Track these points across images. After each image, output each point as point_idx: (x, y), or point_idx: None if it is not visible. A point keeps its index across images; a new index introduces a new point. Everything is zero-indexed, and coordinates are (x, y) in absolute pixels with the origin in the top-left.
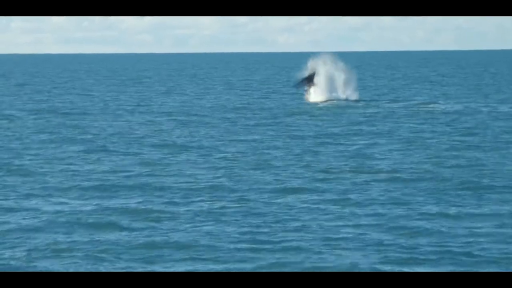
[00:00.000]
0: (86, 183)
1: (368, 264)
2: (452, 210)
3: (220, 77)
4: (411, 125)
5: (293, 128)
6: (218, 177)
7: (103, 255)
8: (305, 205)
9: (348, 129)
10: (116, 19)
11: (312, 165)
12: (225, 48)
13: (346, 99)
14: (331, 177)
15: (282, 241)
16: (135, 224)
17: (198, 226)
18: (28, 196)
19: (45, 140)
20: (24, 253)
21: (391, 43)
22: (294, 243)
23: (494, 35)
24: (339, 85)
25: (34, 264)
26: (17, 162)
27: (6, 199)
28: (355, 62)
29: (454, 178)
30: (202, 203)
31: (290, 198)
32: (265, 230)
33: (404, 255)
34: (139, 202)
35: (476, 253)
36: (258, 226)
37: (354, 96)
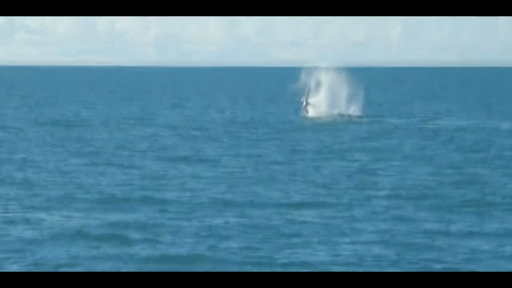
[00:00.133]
0: (88, 196)
1: None
2: (454, 228)
3: (224, 91)
4: (414, 141)
5: (296, 143)
6: (221, 192)
7: (104, 268)
8: (307, 220)
9: (351, 144)
10: (120, 30)
11: (314, 180)
12: (229, 62)
13: (350, 114)
14: (333, 192)
15: (284, 256)
16: (137, 238)
17: (200, 241)
18: (30, 208)
19: (48, 152)
20: (25, 266)
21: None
22: (295, 259)
23: (499, 52)
24: (342, 99)
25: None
26: (20, 174)
27: (8, 212)
28: (359, 77)
29: (456, 195)
30: (205, 217)
31: (292, 213)
32: (267, 245)
33: (405, 271)
34: (142, 216)
35: (476, 270)
36: (260, 241)
37: (357, 111)
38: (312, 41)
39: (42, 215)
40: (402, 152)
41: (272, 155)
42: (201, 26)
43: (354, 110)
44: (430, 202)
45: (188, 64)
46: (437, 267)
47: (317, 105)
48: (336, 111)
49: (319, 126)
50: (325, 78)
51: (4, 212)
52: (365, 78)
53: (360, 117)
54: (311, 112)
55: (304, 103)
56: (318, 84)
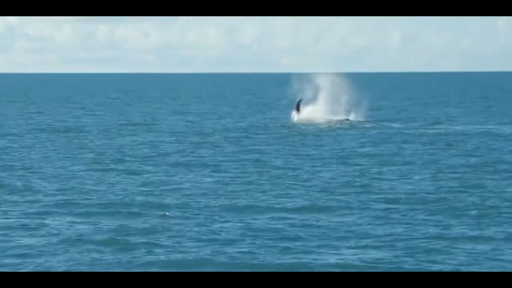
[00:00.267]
0: (89, 202)
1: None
2: (454, 232)
3: (224, 97)
4: (414, 146)
5: (296, 148)
6: (221, 196)
7: (103, 271)
8: (306, 224)
9: (351, 149)
10: (120, 38)
11: (314, 185)
12: (229, 68)
13: (349, 119)
14: (333, 197)
15: (286, 262)
16: (136, 242)
17: (200, 246)
18: (31, 214)
19: (48, 159)
20: (25, 271)
21: (396, 65)
22: (294, 262)
23: (498, 57)
24: (342, 105)
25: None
26: (20, 181)
27: (9, 218)
28: (359, 83)
29: (457, 200)
30: (204, 221)
31: (291, 217)
32: (270, 249)
33: (405, 271)
34: (141, 220)
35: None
36: (259, 246)
37: (357, 116)
38: (312, 47)
39: (44, 221)
40: (402, 157)
41: (273, 160)
42: (200, 33)
43: (354, 115)
44: (431, 207)
45: (188, 71)
46: (434, 270)
47: (317, 111)
48: (336, 117)
49: (320, 131)
50: (325, 84)
51: (6, 218)
52: (364, 83)
53: (360, 122)
54: (298, 118)
55: (294, 109)
56: (317, 89)
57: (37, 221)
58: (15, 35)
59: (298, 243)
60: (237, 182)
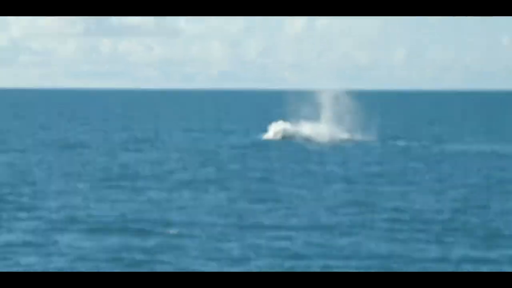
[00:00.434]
0: (91, 219)
1: None
2: (455, 253)
3: (226, 114)
4: (418, 165)
5: (300, 165)
6: (224, 214)
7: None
8: (308, 241)
9: (355, 167)
10: (123, 52)
11: (318, 203)
12: (232, 84)
13: (353, 138)
14: (337, 216)
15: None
16: (140, 260)
17: (204, 264)
18: (33, 231)
19: (52, 175)
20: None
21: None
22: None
23: (502, 75)
24: (345, 122)
25: None
26: (23, 197)
27: (12, 234)
28: (363, 100)
29: (460, 220)
30: (208, 239)
31: (295, 236)
32: (269, 268)
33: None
34: (145, 238)
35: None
36: (262, 265)
37: (361, 134)
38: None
39: (47, 238)
40: (406, 176)
41: (276, 178)
42: (204, 48)
43: (357, 133)
44: (435, 227)
45: (191, 87)
46: None
47: (320, 128)
48: (339, 134)
49: (323, 149)
50: (328, 101)
51: (9, 234)
52: (368, 101)
53: (364, 140)
54: (274, 135)
55: (277, 125)
56: (320, 106)
57: (41, 238)
58: (19, 49)
59: (302, 262)
60: (241, 199)
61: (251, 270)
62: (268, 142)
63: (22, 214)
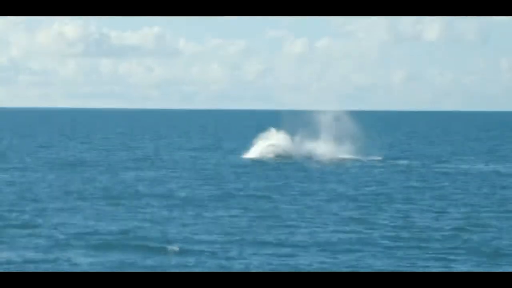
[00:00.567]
0: (91, 236)
1: None
2: (455, 271)
3: (225, 133)
4: (417, 184)
5: (300, 184)
6: (224, 232)
7: None
8: (308, 259)
9: (355, 186)
10: (123, 73)
11: (318, 221)
12: (232, 104)
13: (353, 157)
14: (336, 232)
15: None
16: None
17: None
18: (34, 248)
19: (53, 193)
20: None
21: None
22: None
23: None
24: (346, 143)
25: None
26: (25, 215)
27: (12, 251)
28: (362, 120)
29: (458, 239)
30: (208, 257)
31: (295, 254)
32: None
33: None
34: (146, 255)
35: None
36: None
37: (361, 154)
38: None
39: (48, 255)
40: (406, 194)
41: (276, 197)
42: (204, 68)
43: (357, 152)
44: (435, 245)
45: (191, 107)
46: None
47: (321, 148)
48: (339, 154)
49: (323, 168)
50: (328, 121)
51: (10, 252)
52: (368, 121)
53: (363, 159)
54: (255, 154)
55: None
56: (319, 126)
57: (41, 255)
58: (19, 68)
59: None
60: (241, 217)
61: (251, 270)
62: (268, 161)
63: (23, 232)
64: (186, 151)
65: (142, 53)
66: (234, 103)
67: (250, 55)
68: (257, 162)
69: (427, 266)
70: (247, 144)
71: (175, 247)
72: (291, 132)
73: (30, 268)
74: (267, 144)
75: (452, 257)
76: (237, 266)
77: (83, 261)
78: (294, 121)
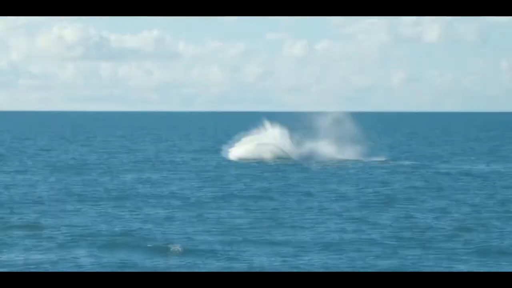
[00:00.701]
0: (92, 238)
1: None
2: (457, 270)
3: (225, 135)
4: (418, 184)
5: (300, 185)
6: (224, 232)
7: None
8: (307, 263)
9: (356, 187)
10: (123, 76)
11: (319, 221)
12: (232, 107)
13: (354, 158)
14: (338, 234)
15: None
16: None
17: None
18: (34, 250)
19: (53, 196)
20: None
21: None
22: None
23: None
24: (345, 144)
25: None
26: (25, 217)
27: (11, 253)
28: (362, 121)
29: (460, 239)
30: (208, 257)
31: (296, 254)
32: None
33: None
34: (143, 256)
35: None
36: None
37: (360, 154)
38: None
39: (49, 256)
40: (408, 195)
41: (277, 197)
42: (203, 71)
43: (357, 153)
44: (436, 245)
45: (191, 109)
46: None
47: (322, 149)
48: (339, 155)
49: (323, 169)
50: (328, 123)
51: (9, 254)
52: (367, 122)
53: (364, 160)
54: (235, 155)
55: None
56: (321, 128)
57: (43, 256)
58: (19, 72)
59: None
60: (242, 218)
61: (251, 270)
62: (268, 162)
63: (24, 233)
64: (186, 153)
65: (141, 56)
66: (234, 105)
67: (250, 58)
68: (258, 163)
69: (429, 266)
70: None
71: (177, 247)
72: (291, 133)
73: (32, 269)
74: (258, 143)
75: (453, 256)
76: (239, 266)
77: (85, 261)
78: (294, 123)
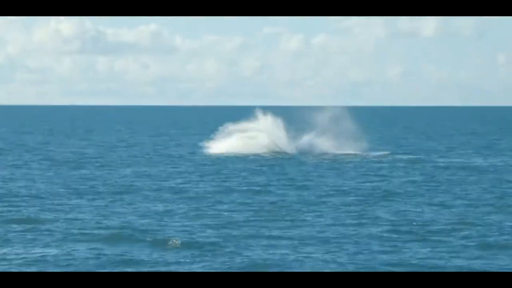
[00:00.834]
0: (90, 231)
1: None
2: (454, 265)
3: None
4: (416, 178)
5: (297, 180)
6: (222, 227)
7: None
8: (303, 258)
9: (353, 181)
10: (120, 70)
11: (317, 215)
12: (229, 101)
13: (350, 152)
14: (336, 228)
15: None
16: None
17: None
18: (32, 245)
19: (51, 190)
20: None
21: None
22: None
23: (498, 92)
24: (346, 138)
25: None
26: (24, 212)
27: (10, 248)
28: (359, 116)
29: (458, 233)
30: (205, 252)
31: (294, 249)
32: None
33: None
34: (144, 250)
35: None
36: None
37: (358, 149)
38: (312, 81)
39: (47, 251)
40: (405, 189)
41: (274, 192)
42: (200, 65)
43: (354, 148)
44: (434, 238)
45: (188, 103)
46: None
47: (317, 143)
48: (336, 149)
49: (320, 163)
50: (325, 117)
51: (7, 248)
52: (364, 117)
53: (361, 155)
54: (215, 150)
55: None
56: (317, 123)
57: (41, 250)
58: (15, 66)
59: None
60: (239, 213)
61: (252, 268)
62: (266, 157)
63: (23, 227)
64: (184, 147)
65: (138, 50)
66: (231, 99)
67: (246, 52)
68: (256, 157)
69: (427, 259)
70: None
71: (176, 241)
72: (287, 128)
73: (31, 264)
74: (245, 136)
75: (452, 250)
76: (238, 260)
77: (83, 255)
78: (291, 117)
